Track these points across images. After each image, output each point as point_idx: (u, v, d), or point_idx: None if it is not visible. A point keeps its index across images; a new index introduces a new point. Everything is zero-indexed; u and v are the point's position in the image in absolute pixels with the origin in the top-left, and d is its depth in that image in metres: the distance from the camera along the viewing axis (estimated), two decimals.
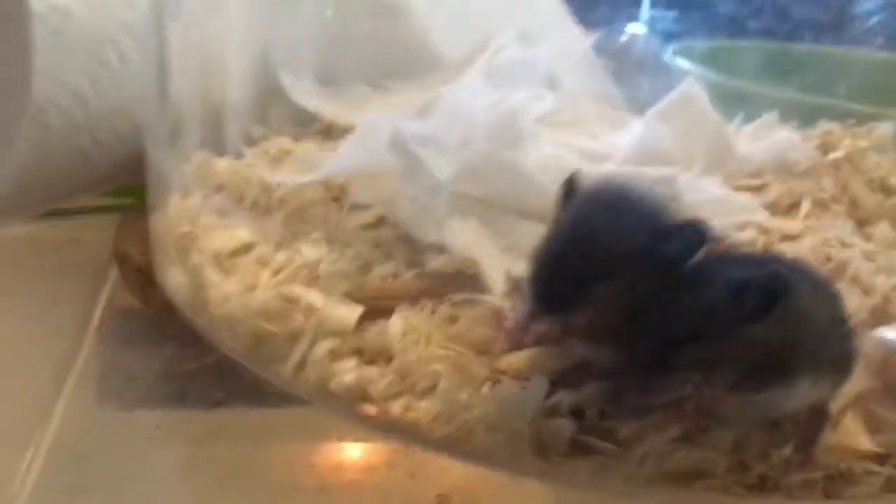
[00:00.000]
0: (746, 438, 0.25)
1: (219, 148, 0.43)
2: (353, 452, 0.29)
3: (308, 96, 0.49)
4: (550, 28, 0.68)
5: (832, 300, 0.26)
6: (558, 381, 0.25)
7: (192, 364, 0.33)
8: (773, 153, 0.44)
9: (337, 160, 0.35)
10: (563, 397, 0.25)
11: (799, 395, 0.24)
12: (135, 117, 0.43)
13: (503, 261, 0.32)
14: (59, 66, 0.39)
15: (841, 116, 0.52)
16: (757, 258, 0.26)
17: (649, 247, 0.23)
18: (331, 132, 0.48)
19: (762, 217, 0.36)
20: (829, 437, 0.26)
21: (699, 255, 0.24)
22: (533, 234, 0.34)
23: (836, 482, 0.25)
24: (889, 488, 0.26)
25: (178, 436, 0.30)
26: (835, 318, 0.25)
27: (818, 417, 0.25)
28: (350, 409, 0.27)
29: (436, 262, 0.32)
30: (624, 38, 0.75)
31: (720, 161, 0.44)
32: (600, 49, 0.70)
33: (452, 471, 0.27)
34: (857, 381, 0.27)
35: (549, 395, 0.25)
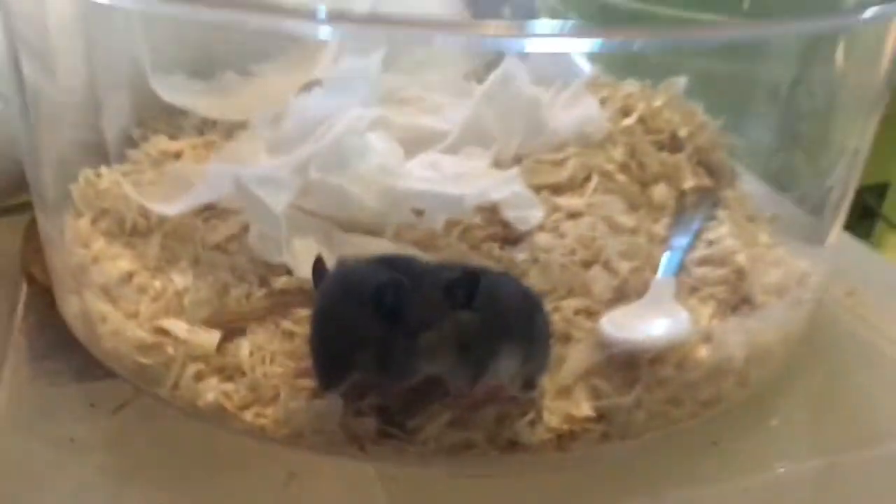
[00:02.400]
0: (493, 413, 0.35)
1: (103, 156, 0.50)
2: (227, 447, 0.38)
3: (177, 93, 0.55)
4: None
5: (530, 299, 0.35)
6: (349, 395, 0.34)
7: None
8: (575, 125, 0.52)
9: (190, 199, 0.42)
10: (361, 404, 0.34)
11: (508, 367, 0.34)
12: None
13: None
14: None
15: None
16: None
17: (372, 311, 0.32)
18: (205, 125, 0.55)
19: (540, 214, 0.44)
20: (560, 406, 0.36)
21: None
22: (359, 244, 0.43)
23: (565, 438, 0.36)
24: (605, 438, 0.36)
25: (90, 442, 0.39)
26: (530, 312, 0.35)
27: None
28: (215, 419, 0.36)
29: (280, 282, 0.40)
30: None
31: (534, 135, 0.52)
32: None
33: (301, 454, 0.37)
34: (587, 359, 0.37)
35: (356, 398, 0.35)
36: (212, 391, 0.36)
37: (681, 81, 0.58)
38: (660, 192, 0.49)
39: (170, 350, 0.38)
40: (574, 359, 0.37)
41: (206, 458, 0.38)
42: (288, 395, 0.36)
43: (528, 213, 0.44)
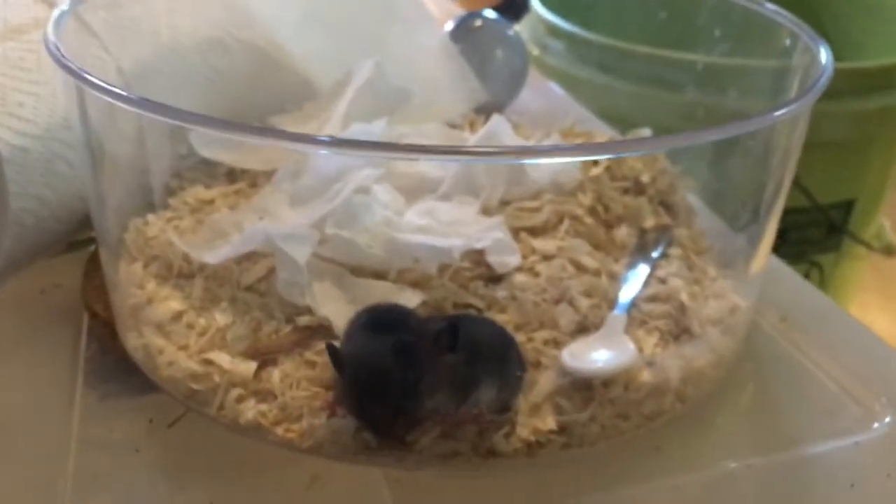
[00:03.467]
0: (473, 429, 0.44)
1: (150, 204, 0.59)
2: (262, 456, 0.47)
3: (209, 146, 0.64)
4: (413, 24, 0.83)
5: (504, 339, 0.44)
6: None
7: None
8: (551, 175, 0.61)
9: (230, 249, 0.51)
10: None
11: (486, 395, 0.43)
12: (84, 199, 0.58)
13: (348, 312, 0.49)
14: (26, 185, 0.55)
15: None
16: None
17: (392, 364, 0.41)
18: (234, 173, 0.64)
19: (517, 259, 0.53)
20: (530, 421, 0.45)
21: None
22: (367, 286, 0.51)
23: (534, 447, 0.44)
24: (566, 447, 0.45)
25: (152, 451, 0.48)
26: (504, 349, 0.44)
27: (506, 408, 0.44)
28: (253, 434, 0.45)
29: (303, 320, 0.49)
30: (478, 23, 0.91)
31: (516, 183, 0.61)
32: (457, 37, 0.87)
33: (321, 461, 0.46)
34: (552, 382, 0.46)
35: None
36: (250, 411, 0.45)
37: (645, 131, 0.67)
38: (621, 233, 0.58)
39: (216, 378, 0.47)
40: (542, 382, 0.45)
41: (246, 465, 0.47)
42: (310, 413, 0.45)
43: (508, 258, 0.53)
